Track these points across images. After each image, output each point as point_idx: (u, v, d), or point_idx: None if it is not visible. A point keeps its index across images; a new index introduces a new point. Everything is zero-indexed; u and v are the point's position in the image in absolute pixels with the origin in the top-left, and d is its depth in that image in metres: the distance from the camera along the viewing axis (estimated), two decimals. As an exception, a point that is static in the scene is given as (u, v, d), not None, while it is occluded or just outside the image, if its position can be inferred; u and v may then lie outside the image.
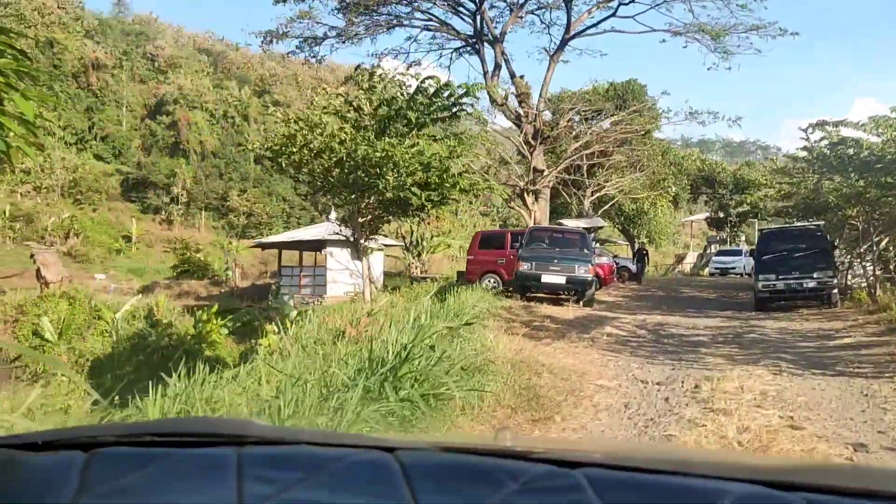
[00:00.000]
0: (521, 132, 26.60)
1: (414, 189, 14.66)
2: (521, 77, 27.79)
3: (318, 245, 28.51)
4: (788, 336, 12.46)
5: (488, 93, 27.13)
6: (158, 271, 44.41)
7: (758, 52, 25.98)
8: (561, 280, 16.78)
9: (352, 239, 16.82)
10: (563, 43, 27.08)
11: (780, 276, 17.77)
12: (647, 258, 32.70)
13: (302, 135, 14.38)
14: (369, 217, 16.55)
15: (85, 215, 54.75)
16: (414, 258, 32.70)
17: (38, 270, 25.65)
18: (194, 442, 0.89)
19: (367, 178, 14.69)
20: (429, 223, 27.98)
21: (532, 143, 26.27)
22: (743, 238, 50.26)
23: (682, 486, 0.68)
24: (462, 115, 16.77)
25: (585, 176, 31.76)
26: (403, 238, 26.26)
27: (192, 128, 62.19)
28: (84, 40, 65.33)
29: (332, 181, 15.33)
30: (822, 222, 19.93)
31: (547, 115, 28.52)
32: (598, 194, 33.67)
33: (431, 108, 15.18)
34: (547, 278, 16.79)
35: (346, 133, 14.32)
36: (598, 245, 33.44)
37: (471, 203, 73.67)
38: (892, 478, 0.83)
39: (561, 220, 28.69)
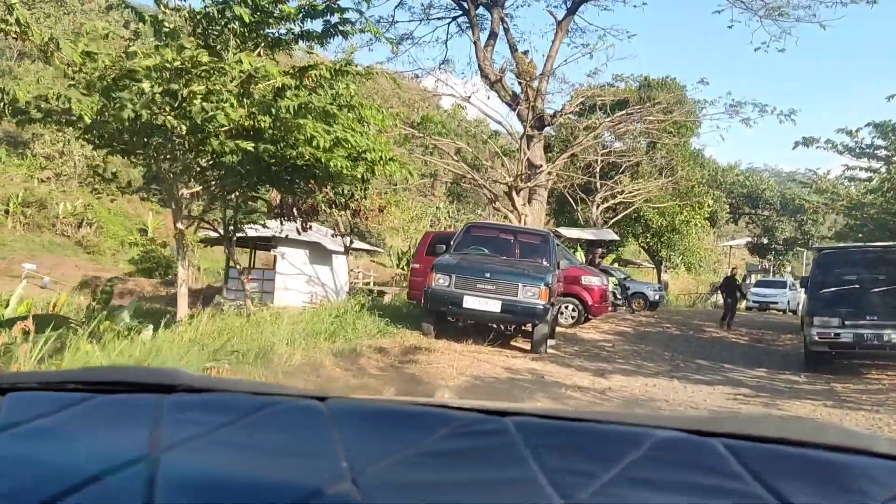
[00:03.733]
0: (515, 113, 20.04)
1: (241, 144, 8.27)
2: (525, 53, 21.25)
3: (267, 243, 21.50)
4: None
5: (480, 67, 20.68)
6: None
7: (821, 26, 18.97)
8: (493, 307, 9.77)
9: (176, 229, 10.58)
10: (575, 7, 20.40)
11: (848, 322, 10.89)
12: (739, 290, 19.66)
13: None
14: (200, 189, 10.26)
15: (102, 205, 50.44)
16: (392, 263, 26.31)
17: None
18: (118, 390, 0.81)
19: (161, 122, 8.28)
20: (366, 217, 21.28)
21: (526, 127, 19.61)
22: (789, 269, 42.48)
23: (606, 431, 0.69)
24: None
25: (598, 178, 24.45)
26: (343, 237, 19.67)
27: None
28: (123, 30, 61.33)
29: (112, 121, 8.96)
30: (913, 244, 12.84)
31: (554, 102, 21.71)
32: (611, 201, 26.08)
33: (281, 12, 8.72)
34: (471, 303, 9.79)
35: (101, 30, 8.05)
36: (619, 266, 26.45)
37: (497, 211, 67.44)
38: (802, 425, 0.78)
39: (558, 229, 21.82)
